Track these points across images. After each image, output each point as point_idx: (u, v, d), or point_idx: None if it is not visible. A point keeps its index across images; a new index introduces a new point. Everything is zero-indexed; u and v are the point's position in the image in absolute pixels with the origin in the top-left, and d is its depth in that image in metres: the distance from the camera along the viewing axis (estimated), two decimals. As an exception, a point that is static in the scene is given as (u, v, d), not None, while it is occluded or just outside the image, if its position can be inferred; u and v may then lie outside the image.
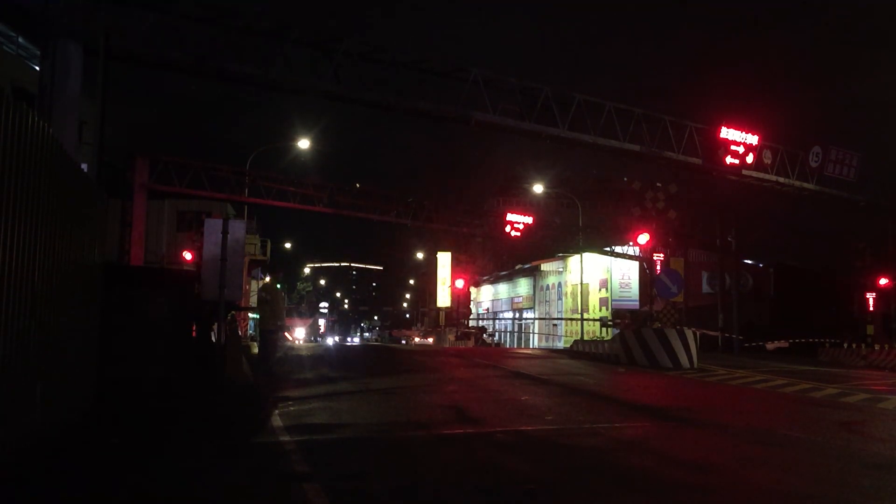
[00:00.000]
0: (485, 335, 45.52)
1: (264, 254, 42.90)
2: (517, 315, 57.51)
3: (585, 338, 30.90)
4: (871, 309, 26.40)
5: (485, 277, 64.20)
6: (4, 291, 4.66)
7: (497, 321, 61.39)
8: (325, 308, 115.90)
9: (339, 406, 9.44)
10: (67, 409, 6.67)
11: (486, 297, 65.99)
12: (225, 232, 10.64)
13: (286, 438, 6.75)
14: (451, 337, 45.08)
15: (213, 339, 11.85)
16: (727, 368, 17.06)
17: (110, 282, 8.39)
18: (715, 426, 8.18)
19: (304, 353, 23.03)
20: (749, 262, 36.15)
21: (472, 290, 64.12)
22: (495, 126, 21.93)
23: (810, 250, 35.55)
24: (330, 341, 59.35)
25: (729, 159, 24.14)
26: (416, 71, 20.65)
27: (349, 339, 61.27)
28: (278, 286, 29.48)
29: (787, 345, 28.53)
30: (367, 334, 78.76)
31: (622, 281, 42.18)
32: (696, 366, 16.27)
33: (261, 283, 36.31)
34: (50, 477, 5.15)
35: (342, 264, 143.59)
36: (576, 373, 14.98)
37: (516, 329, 57.61)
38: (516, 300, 57.49)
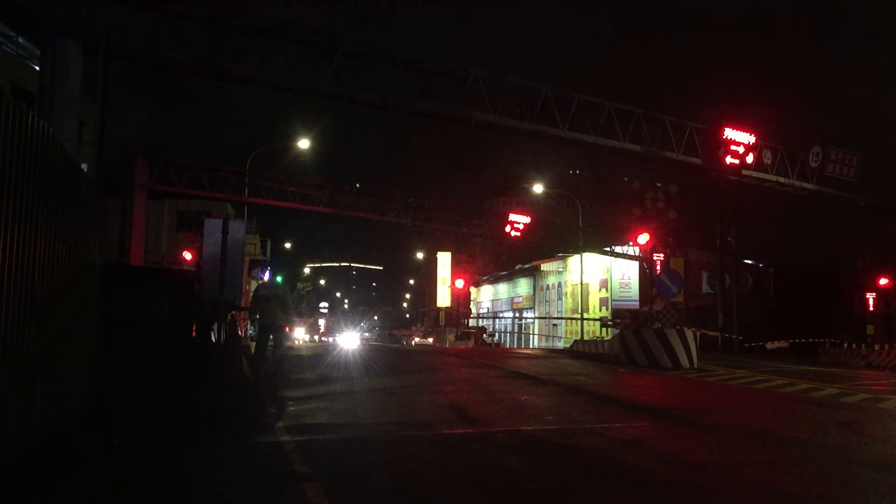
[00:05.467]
0: (485, 335, 45.54)
1: (264, 254, 42.91)
2: (517, 315, 57.53)
3: (585, 338, 30.91)
4: (871, 309, 26.42)
5: (485, 277, 64.23)
6: (4, 291, 4.66)
7: (497, 321, 61.41)
8: (324, 308, 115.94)
9: (339, 406, 9.44)
10: (67, 409, 6.66)
11: (486, 297, 66.02)
12: (225, 232, 10.64)
13: (286, 438, 6.75)
14: (451, 337, 45.12)
15: (213, 339, 11.86)
16: (727, 368, 17.06)
17: (110, 282, 8.38)
18: (715, 426, 8.18)
19: (304, 352, 23.03)
20: (749, 262, 36.17)
21: (472, 290, 64.15)
22: (495, 126, 21.93)
23: (810, 250, 35.60)
24: (330, 340, 58.98)
25: (729, 159, 24.15)
26: (416, 71, 20.66)
27: (332, 338, 59.57)
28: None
29: (787, 345, 28.53)
30: (366, 334, 78.56)
31: (622, 281, 42.20)
32: (696, 366, 16.27)
33: (261, 282, 36.25)
34: (50, 477, 5.14)
35: (342, 264, 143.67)
36: (576, 373, 14.98)
37: (516, 329, 57.65)
38: (516, 300, 57.52)
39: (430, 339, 53.65)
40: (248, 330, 33.74)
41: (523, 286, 56.30)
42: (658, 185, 19.68)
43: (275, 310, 11.54)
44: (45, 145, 5.45)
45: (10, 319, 4.78)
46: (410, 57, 20.67)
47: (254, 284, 41.93)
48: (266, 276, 43.82)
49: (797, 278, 35.11)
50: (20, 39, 24.02)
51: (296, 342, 40.25)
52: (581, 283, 40.39)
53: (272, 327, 11.57)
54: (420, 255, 75.94)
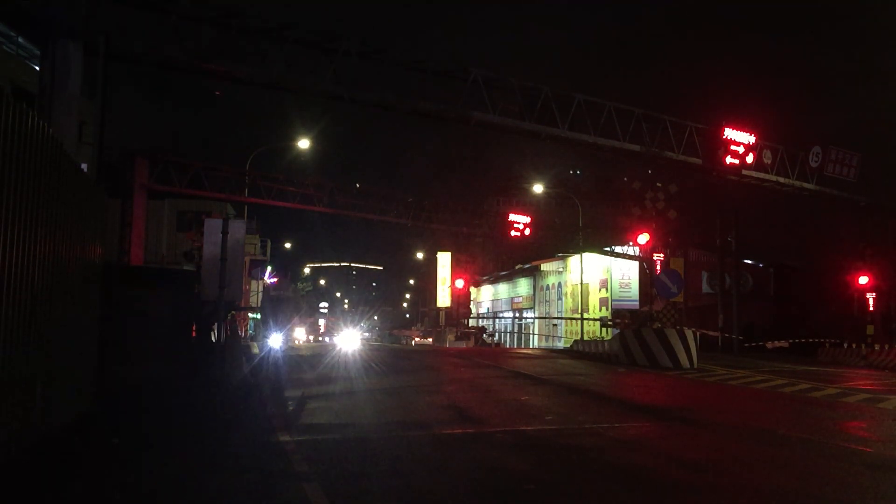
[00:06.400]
0: (485, 335, 45.54)
1: (264, 254, 42.90)
2: (517, 315, 57.52)
3: (585, 338, 30.90)
4: (871, 309, 26.37)
5: (485, 277, 64.21)
6: (4, 291, 4.66)
7: (497, 321, 61.40)
8: (324, 308, 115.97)
9: (339, 406, 9.44)
10: (67, 409, 6.66)
11: (486, 297, 65.99)
12: (225, 232, 10.64)
13: (286, 438, 6.75)
14: (451, 337, 45.09)
15: (213, 338, 11.86)
16: (727, 368, 17.06)
17: (110, 282, 8.38)
18: (715, 426, 8.18)
19: (304, 353, 23.02)
20: (749, 262, 36.14)
21: (472, 290, 64.13)
22: (495, 126, 21.93)
23: (810, 250, 35.52)
24: (327, 340, 58.49)
25: (729, 159, 24.14)
26: (416, 71, 20.65)
27: (328, 338, 57.95)
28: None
29: (787, 345, 28.51)
30: (366, 334, 78.48)
31: (622, 281, 42.19)
32: (696, 366, 16.28)
33: (266, 283, 36.23)
34: (50, 477, 5.15)
35: (342, 264, 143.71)
36: (576, 373, 14.98)
37: (516, 329, 57.62)
38: (516, 300, 57.50)
39: (430, 339, 53.63)
40: (248, 330, 33.75)
41: (523, 286, 56.29)
42: (658, 185, 19.69)
43: (285, 311, 11.52)
44: (45, 145, 5.45)
45: (10, 319, 4.78)
46: (410, 57, 20.66)
47: (254, 285, 41.93)
48: (266, 277, 43.44)
49: (797, 278, 35.07)
50: (20, 39, 23.98)
51: (296, 342, 40.21)
52: (581, 283, 40.37)
53: (278, 328, 11.56)
54: (420, 255, 75.92)
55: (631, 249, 37.87)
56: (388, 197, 32.64)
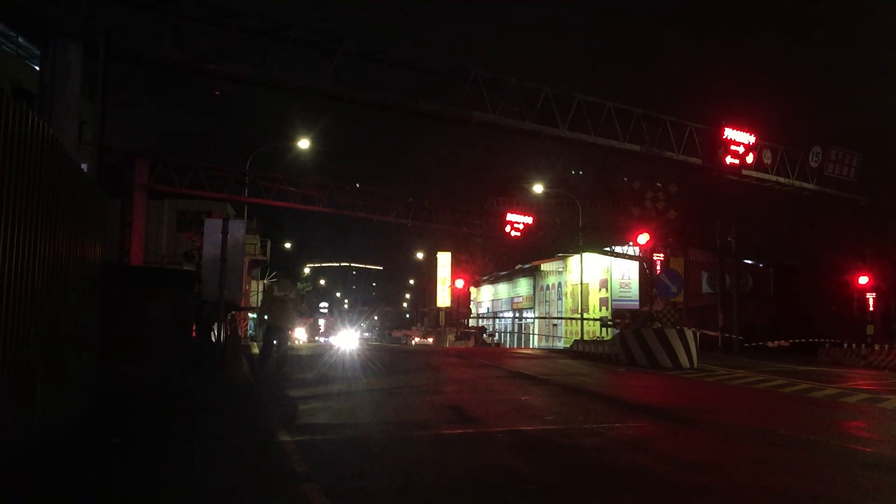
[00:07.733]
0: (484, 335, 45.54)
1: (264, 254, 42.90)
2: (517, 315, 57.53)
3: (585, 338, 30.91)
4: (871, 309, 26.38)
5: (485, 277, 64.22)
6: (4, 291, 4.66)
7: (497, 321, 61.42)
8: (324, 308, 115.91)
9: (339, 406, 9.44)
10: (67, 409, 6.67)
11: (486, 297, 66.02)
12: (225, 232, 10.67)
13: (286, 438, 6.75)
14: (451, 337, 45.09)
15: (213, 338, 11.87)
16: (727, 368, 17.06)
17: (110, 282, 8.38)
18: (715, 426, 8.18)
19: (304, 352, 23.02)
20: (749, 262, 36.17)
21: (472, 290, 64.15)
22: (495, 126, 21.94)
23: (810, 250, 35.54)
24: (322, 341, 57.88)
25: (729, 159, 24.16)
26: (416, 71, 20.66)
27: (325, 339, 57.18)
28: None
29: (787, 345, 28.53)
30: (366, 334, 78.38)
31: (622, 281, 42.21)
32: (696, 366, 16.28)
33: (268, 282, 36.20)
34: (50, 477, 5.15)
35: (342, 264, 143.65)
36: (576, 373, 14.98)
37: (516, 329, 57.64)
38: (516, 300, 57.51)
39: (430, 340, 53.62)
40: (248, 330, 33.75)
41: (523, 286, 56.29)
42: (658, 185, 19.70)
43: (288, 311, 11.51)
44: (45, 145, 5.45)
45: (10, 319, 4.78)
46: (411, 57, 20.68)
47: (254, 284, 41.92)
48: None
49: (797, 278, 35.10)
50: (20, 39, 23.99)
51: (296, 342, 40.08)
52: (581, 283, 40.38)
53: (280, 328, 11.55)
54: (420, 255, 75.89)
55: (631, 249, 37.88)
56: (388, 197, 32.69)
